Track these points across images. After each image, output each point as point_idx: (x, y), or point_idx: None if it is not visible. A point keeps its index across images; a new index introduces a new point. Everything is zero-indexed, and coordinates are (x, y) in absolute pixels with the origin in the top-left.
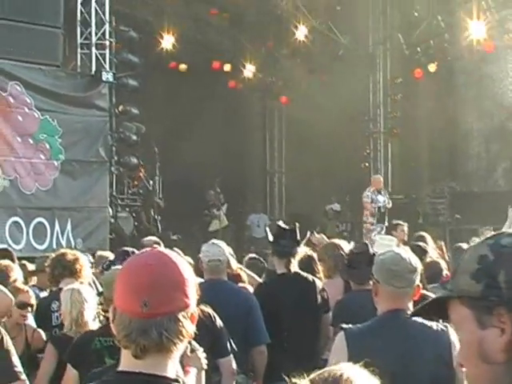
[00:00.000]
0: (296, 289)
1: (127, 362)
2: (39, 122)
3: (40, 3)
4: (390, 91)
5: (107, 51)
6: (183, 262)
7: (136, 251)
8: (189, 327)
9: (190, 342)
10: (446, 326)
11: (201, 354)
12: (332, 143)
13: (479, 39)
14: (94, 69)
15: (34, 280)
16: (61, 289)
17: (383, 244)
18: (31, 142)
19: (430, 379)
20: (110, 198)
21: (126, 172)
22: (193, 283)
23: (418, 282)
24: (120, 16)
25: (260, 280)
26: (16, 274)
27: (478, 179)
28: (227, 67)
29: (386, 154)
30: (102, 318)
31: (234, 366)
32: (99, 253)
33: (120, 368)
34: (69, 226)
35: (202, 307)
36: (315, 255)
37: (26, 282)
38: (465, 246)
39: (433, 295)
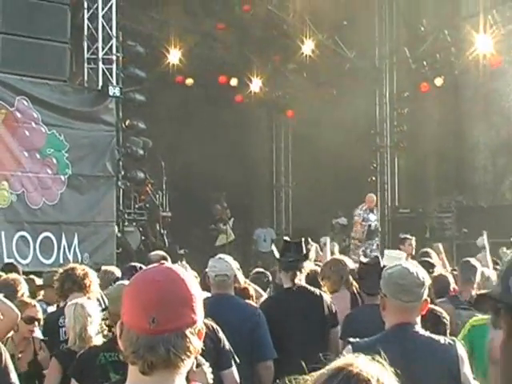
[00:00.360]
0: (303, 303)
1: (134, 378)
2: (46, 137)
3: (47, 18)
4: (396, 105)
5: (114, 66)
6: (191, 278)
7: (143, 267)
8: (196, 343)
9: (195, 357)
10: (453, 340)
11: (206, 368)
12: (338, 157)
13: (486, 53)
14: (100, 83)
15: (40, 295)
16: None
17: (391, 257)
18: (38, 156)
19: None
20: (116, 213)
21: (133, 186)
22: (200, 299)
23: (425, 296)
24: (127, 31)
25: (264, 294)
26: (24, 288)
27: (485, 193)
28: (234, 82)
29: (393, 168)
30: (106, 332)
31: (237, 378)
32: (104, 268)
33: None
34: (75, 241)
35: (206, 321)
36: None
37: (33, 297)
38: (472, 260)
39: (440, 309)
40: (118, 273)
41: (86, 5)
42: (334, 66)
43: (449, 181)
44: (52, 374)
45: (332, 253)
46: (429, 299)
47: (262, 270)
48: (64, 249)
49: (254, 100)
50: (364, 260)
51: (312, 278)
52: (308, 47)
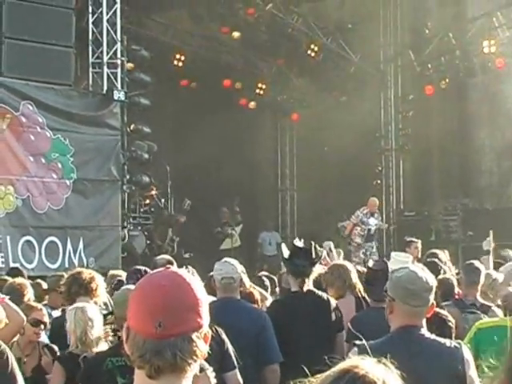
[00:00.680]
0: (310, 307)
1: (141, 382)
2: (51, 142)
3: (51, 23)
4: (401, 108)
5: (119, 70)
6: (197, 282)
7: (148, 270)
8: (202, 347)
9: None
10: (459, 343)
11: (210, 373)
12: (343, 160)
13: (490, 56)
14: (105, 88)
15: (46, 299)
16: None
17: (398, 260)
18: (43, 161)
19: None
20: (122, 217)
21: (138, 191)
22: (206, 303)
23: (432, 300)
24: (131, 35)
25: (269, 297)
26: (30, 292)
27: (491, 196)
28: (238, 85)
29: (398, 171)
30: (111, 338)
31: (241, 380)
32: (111, 272)
33: None
34: (81, 245)
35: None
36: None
37: (39, 301)
38: (476, 262)
39: (445, 313)
40: (123, 277)
41: (90, 9)
42: (339, 69)
43: (454, 183)
44: (55, 378)
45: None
46: (435, 302)
47: (267, 274)
48: (69, 253)
49: (258, 103)
50: (371, 265)
51: (319, 282)
52: (313, 51)
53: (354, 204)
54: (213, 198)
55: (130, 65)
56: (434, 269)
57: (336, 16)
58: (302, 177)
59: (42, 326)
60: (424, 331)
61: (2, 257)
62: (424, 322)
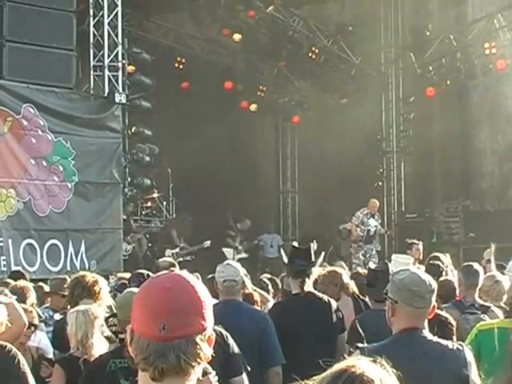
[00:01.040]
0: (312, 309)
1: None
2: (53, 145)
3: (53, 26)
4: (402, 110)
5: (120, 73)
6: (200, 285)
7: (151, 274)
8: (206, 350)
9: None
10: (461, 345)
11: (212, 377)
12: (345, 163)
13: (491, 58)
14: (106, 91)
15: (48, 301)
16: None
17: (399, 262)
18: (45, 164)
19: None
20: (123, 220)
21: (140, 193)
22: (210, 306)
23: (434, 301)
24: (132, 38)
25: (271, 299)
26: (32, 295)
27: (492, 197)
28: (239, 88)
29: (399, 173)
30: (113, 338)
31: None
32: (119, 275)
33: None
34: (83, 248)
35: (215, 327)
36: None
37: (41, 304)
38: (475, 264)
39: (446, 314)
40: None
41: (91, 12)
42: (340, 71)
43: (455, 185)
44: (55, 380)
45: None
46: (436, 304)
47: (270, 276)
48: (71, 256)
49: (259, 106)
50: (373, 266)
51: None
52: (314, 53)
53: (356, 206)
54: (214, 200)
55: (131, 68)
56: (436, 271)
57: (337, 18)
58: (303, 179)
59: (32, 328)
60: (426, 333)
61: (3, 260)
62: (426, 323)
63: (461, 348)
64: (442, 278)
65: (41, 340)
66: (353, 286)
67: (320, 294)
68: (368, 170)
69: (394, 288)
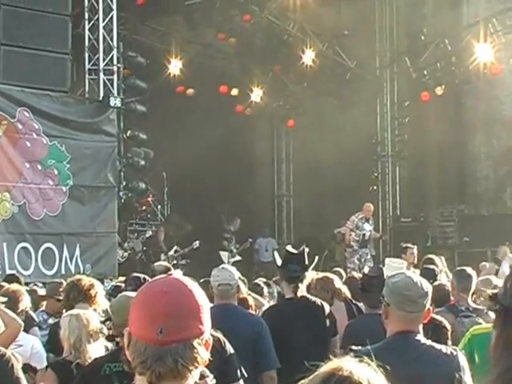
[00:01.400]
0: (305, 313)
1: None
2: (48, 148)
3: (48, 29)
4: (397, 114)
5: (115, 77)
6: (198, 289)
7: (147, 278)
8: (203, 354)
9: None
10: (455, 350)
11: (210, 380)
12: (340, 167)
13: (486, 62)
14: (101, 94)
15: (43, 305)
16: None
17: (393, 267)
18: (40, 167)
19: None
20: (118, 223)
21: (135, 197)
22: (207, 310)
23: (428, 305)
24: (127, 42)
25: (266, 303)
26: (26, 299)
27: (487, 201)
28: (235, 92)
29: (394, 178)
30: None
31: None
32: (121, 279)
33: None
34: (77, 252)
35: (212, 332)
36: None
37: (36, 307)
38: (468, 269)
39: (440, 318)
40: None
41: (86, 16)
42: (335, 75)
43: (450, 190)
44: None
45: None
46: (431, 308)
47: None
48: (66, 260)
49: (254, 110)
50: (367, 271)
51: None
52: (309, 57)
53: (351, 210)
54: (209, 204)
55: (126, 71)
56: (431, 275)
57: (332, 23)
58: (298, 183)
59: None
60: (420, 337)
61: None
62: (420, 327)
63: (454, 352)
64: (436, 283)
65: (33, 345)
66: (345, 291)
67: (313, 298)
68: (363, 174)
69: (388, 291)
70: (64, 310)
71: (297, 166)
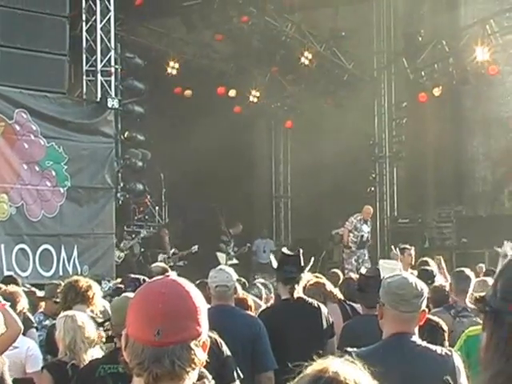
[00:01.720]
0: (302, 314)
1: None
2: (45, 149)
3: (46, 31)
4: (395, 115)
5: (113, 78)
6: (195, 291)
7: (146, 279)
8: (200, 355)
9: (199, 369)
10: (450, 351)
11: (208, 382)
12: (338, 168)
13: (484, 63)
14: (99, 95)
15: (41, 306)
16: None
17: (388, 268)
18: (37, 169)
19: None
20: (115, 225)
21: (132, 198)
22: (205, 311)
23: (424, 306)
24: (125, 43)
25: (263, 304)
26: (23, 300)
27: (484, 202)
28: (232, 93)
29: (392, 179)
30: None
31: None
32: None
33: None
34: (75, 253)
35: (209, 334)
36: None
37: (35, 308)
38: (467, 270)
39: (437, 319)
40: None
41: (84, 17)
42: (333, 76)
43: (448, 190)
44: None
45: None
46: (427, 310)
47: (262, 281)
48: (63, 261)
49: (252, 111)
50: (364, 272)
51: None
52: (306, 58)
53: (348, 211)
54: (207, 205)
55: (123, 72)
56: (430, 276)
57: (329, 24)
58: (296, 184)
59: None
60: (415, 338)
61: None
62: (416, 329)
63: (450, 353)
64: (435, 284)
65: (29, 347)
66: (337, 293)
67: (310, 300)
68: (360, 175)
69: (383, 291)
70: (62, 312)
71: (295, 167)
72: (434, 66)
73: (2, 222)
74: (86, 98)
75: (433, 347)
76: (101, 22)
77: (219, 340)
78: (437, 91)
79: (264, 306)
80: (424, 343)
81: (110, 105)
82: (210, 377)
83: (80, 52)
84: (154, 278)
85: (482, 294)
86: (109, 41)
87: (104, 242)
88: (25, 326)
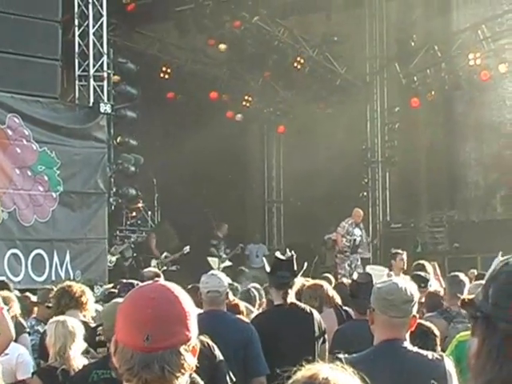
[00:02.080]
0: (294, 320)
1: None
2: (38, 154)
3: (38, 35)
4: (387, 120)
5: (105, 83)
6: (185, 295)
7: (140, 284)
8: (190, 360)
9: (190, 375)
10: (441, 356)
11: None
12: (330, 173)
13: (476, 68)
14: (92, 100)
15: (34, 311)
16: None
17: (374, 274)
18: (30, 174)
19: None
20: (108, 230)
21: (125, 203)
22: (194, 316)
23: (414, 312)
24: (118, 48)
25: (255, 310)
26: (16, 306)
27: (477, 207)
28: (225, 98)
29: (384, 183)
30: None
31: None
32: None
33: None
34: (67, 258)
35: (202, 338)
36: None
37: (28, 314)
38: (461, 275)
39: (429, 324)
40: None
41: (76, 22)
42: (325, 81)
43: (440, 195)
44: None
45: None
46: (417, 315)
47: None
48: (56, 266)
49: (245, 116)
50: (356, 278)
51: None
52: (299, 63)
53: (341, 216)
54: (199, 210)
55: (116, 77)
56: (423, 280)
57: (322, 29)
58: (288, 189)
59: None
60: (406, 344)
61: None
62: (407, 334)
63: (440, 358)
64: (430, 289)
65: (19, 354)
66: (337, 298)
67: (303, 305)
68: (353, 180)
69: (373, 296)
70: (54, 317)
71: (287, 171)
72: (427, 71)
73: None
74: (78, 102)
75: (424, 352)
76: (93, 26)
77: (211, 344)
78: (429, 96)
79: (256, 312)
80: (415, 348)
81: (102, 110)
82: (201, 382)
83: (72, 57)
84: (144, 283)
85: (470, 296)
86: (101, 46)
87: (96, 247)
88: (17, 331)
